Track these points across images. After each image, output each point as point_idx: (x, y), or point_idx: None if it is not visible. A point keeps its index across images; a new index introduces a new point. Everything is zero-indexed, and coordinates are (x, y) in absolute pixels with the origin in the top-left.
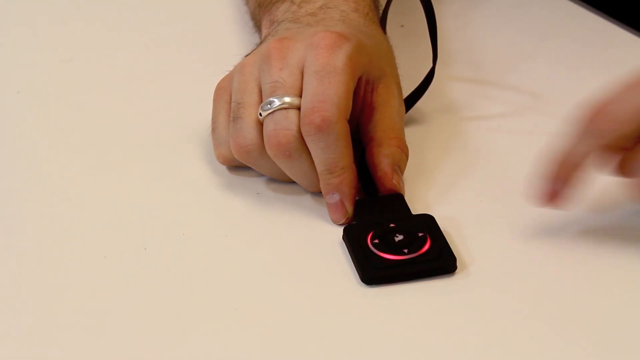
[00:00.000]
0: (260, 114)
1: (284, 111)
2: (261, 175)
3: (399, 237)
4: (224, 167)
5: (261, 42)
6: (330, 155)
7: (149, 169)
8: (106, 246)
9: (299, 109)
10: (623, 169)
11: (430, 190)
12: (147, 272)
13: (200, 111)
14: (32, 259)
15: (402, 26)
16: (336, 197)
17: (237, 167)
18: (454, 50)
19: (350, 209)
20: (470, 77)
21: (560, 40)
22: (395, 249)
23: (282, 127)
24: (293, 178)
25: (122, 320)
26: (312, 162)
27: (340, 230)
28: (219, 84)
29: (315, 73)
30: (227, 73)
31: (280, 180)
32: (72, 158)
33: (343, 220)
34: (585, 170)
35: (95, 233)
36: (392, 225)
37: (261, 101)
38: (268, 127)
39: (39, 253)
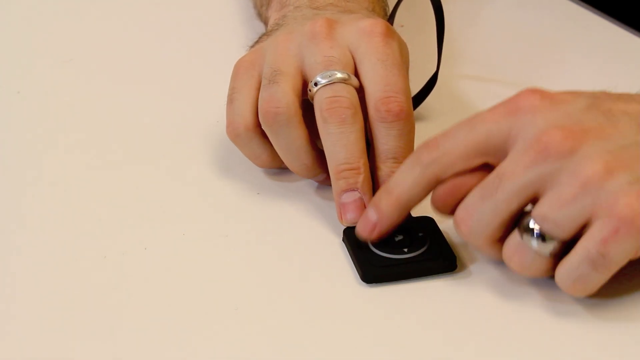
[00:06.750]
0: (316, 84)
1: (344, 84)
2: (261, 175)
3: (399, 237)
4: (224, 167)
5: (272, 27)
6: (401, 144)
7: (149, 168)
8: (106, 246)
9: (354, 88)
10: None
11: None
12: (147, 272)
13: (200, 111)
14: (32, 259)
15: (402, 26)
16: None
17: (237, 166)
18: (459, 49)
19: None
20: (475, 76)
21: (564, 41)
22: (395, 248)
23: (342, 95)
24: (326, 147)
25: (122, 320)
26: (359, 136)
27: (340, 231)
28: (241, 60)
29: (380, 61)
30: (226, 73)
31: (278, 166)
32: (71, 158)
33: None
34: (410, 200)
35: (95, 233)
36: None
37: (300, 76)
38: (325, 94)
39: (39, 253)
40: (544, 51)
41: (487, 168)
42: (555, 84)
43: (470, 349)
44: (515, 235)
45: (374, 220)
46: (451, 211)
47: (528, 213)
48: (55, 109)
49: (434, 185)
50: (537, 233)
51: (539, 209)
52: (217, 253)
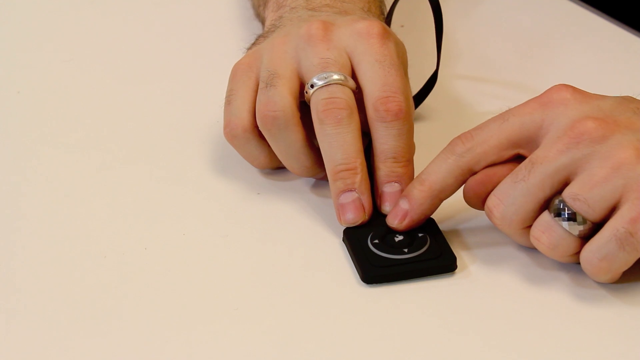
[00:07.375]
0: (312, 86)
1: (340, 85)
2: (261, 175)
3: (399, 238)
4: (224, 167)
5: (269, 28)
6: (401, 144)
7: (149, 169)
8: (106, 246)
9: (350, 89)
10: (467, 191)
11: None
12: (147, 272)
13: (200, 111)
14: (33, 259)
15: (402, 26)
16: (396, 187)
17: (236, 166)
18: (459, 49)
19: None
20: (474, 76)
21: (563, 40)
22: (396, 248)
23: (338, 96)
24: (323, 148)
25: (123, 320)
26: (356, 136)
27: (340, 231)
28: (239, 63)
29: (378, 62)
30: (226, 73)
31: (275, 167)
32: (72, 158)
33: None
34: (442, 189)
35: (95, 233)
36: None
37: (297, 78)
38: (321, 96)
39: (40, 253)
40: (543, 51)
41: (519, 160)
42: (556, 83)
43: (470, 348)
44: (544, 215)
45: (405, 209)
46: (482, 203)
47: (559, 194)
48: (55, 108)
49: (467, 175)
50: (567, 212)
51: (570, 189)
52: (217, 253)
